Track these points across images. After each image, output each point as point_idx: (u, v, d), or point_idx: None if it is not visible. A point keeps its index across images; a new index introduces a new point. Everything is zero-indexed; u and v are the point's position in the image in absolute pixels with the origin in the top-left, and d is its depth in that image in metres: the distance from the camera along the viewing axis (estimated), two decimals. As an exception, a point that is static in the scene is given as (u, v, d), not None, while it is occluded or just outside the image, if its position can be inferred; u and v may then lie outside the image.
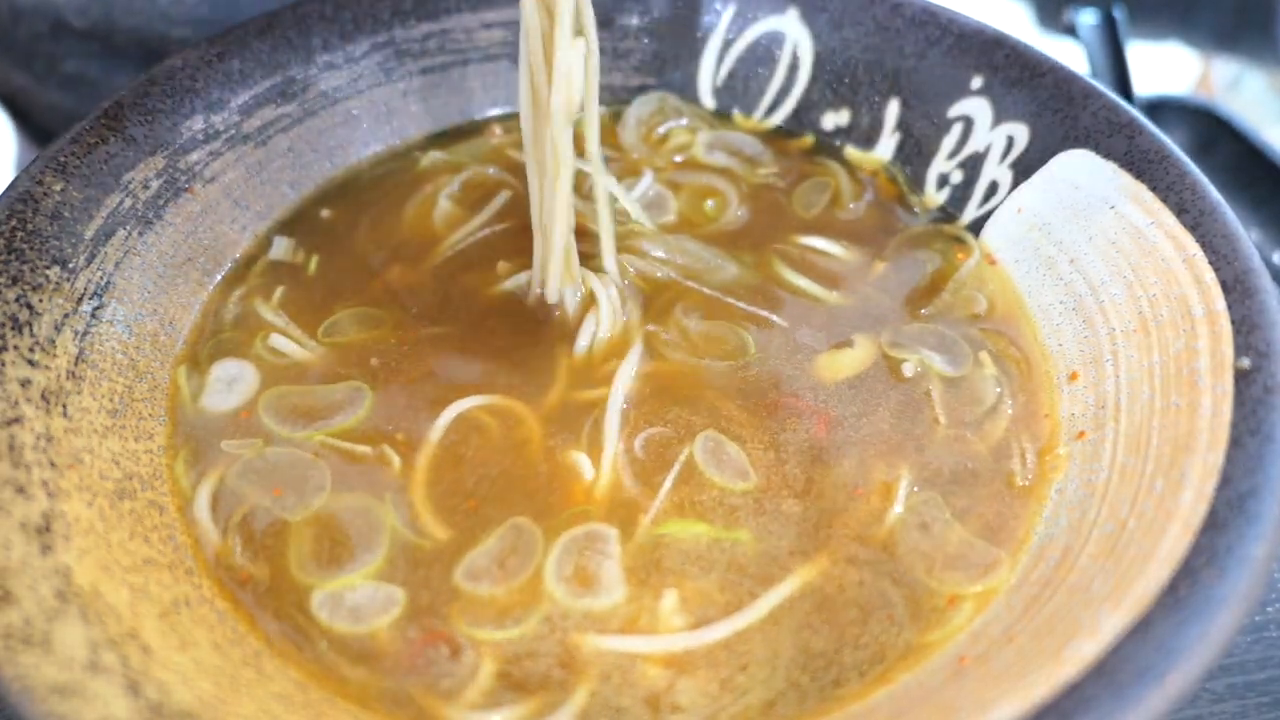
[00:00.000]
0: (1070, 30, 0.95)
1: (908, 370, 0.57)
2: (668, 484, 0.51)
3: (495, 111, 0.73)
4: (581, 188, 0.63)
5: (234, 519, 0.50)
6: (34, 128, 1.07)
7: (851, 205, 0.67)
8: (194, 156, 0.61)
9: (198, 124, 0.61)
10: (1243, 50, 1.19)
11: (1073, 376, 0.55)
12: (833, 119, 0.71)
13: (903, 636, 0.47)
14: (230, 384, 0.56)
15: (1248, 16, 1.09)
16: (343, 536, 0.49)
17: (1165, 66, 1.22)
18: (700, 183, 0.69)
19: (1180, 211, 0.53)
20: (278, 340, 0.58)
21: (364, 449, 0.53)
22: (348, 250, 0.64)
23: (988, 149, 0.65)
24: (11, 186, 0.53)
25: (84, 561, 0.43)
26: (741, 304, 0.61)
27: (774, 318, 0.60)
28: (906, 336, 0.59)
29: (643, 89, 0.74)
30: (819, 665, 0.46)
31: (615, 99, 0.74)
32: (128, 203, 0.57)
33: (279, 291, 0.61)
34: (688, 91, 0.74)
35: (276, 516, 0.50)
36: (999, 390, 0.56)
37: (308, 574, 0.48)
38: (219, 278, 0.61)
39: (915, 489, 0.52)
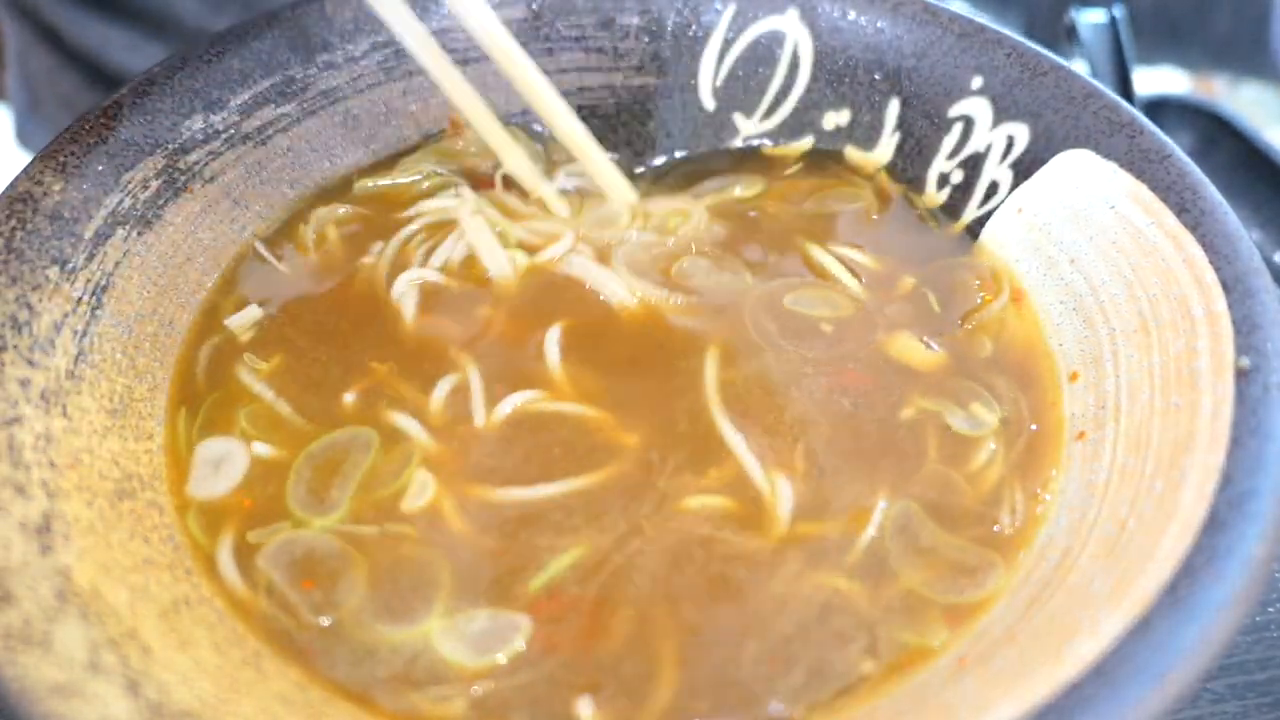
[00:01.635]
0: (1071, 31, 0.95)
1: (906, 414, 0.55)
2: None
3: (495, 111, 0.73)
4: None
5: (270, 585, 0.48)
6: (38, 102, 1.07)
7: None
8: (193, 156, 0.61)
9: (197, 124, 0.61)
10: (1237, 67, 1.19)
11: (1073, 376, 0.55)
12: (833, 119, 0.71)
13: (897, 648, 0.46)
14: (217, 466, 0.52)
15: (1241, 34, 1.09)
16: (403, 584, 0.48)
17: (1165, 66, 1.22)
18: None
19: (1180, 211, 0.53)
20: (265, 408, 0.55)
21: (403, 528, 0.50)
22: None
23: (988, 149, 0.65)
24: (11, 186, 0.53)
25: (84, 561, 0.43)
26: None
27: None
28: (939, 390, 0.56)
29: (643, 89, 0.74)
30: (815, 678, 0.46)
31: (616, 99, 0.74)
32: (127, 203, 0.57)
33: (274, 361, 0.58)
34: (688, 91, 0.74)
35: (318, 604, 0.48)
36: (994, 449, 0.54)
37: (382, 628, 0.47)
38: (218, 278, 0.61)
39: (895, 505, 0.51)
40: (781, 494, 0.51)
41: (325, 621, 0.46)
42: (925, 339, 0.59)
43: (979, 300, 0.61)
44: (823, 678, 0.45)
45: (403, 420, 0.54)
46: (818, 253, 0.64)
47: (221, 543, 0.49)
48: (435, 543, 0.49)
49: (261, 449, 0.53)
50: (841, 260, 0.63)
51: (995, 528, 0.51)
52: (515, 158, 0.67)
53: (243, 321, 0.59)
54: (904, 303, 0.61)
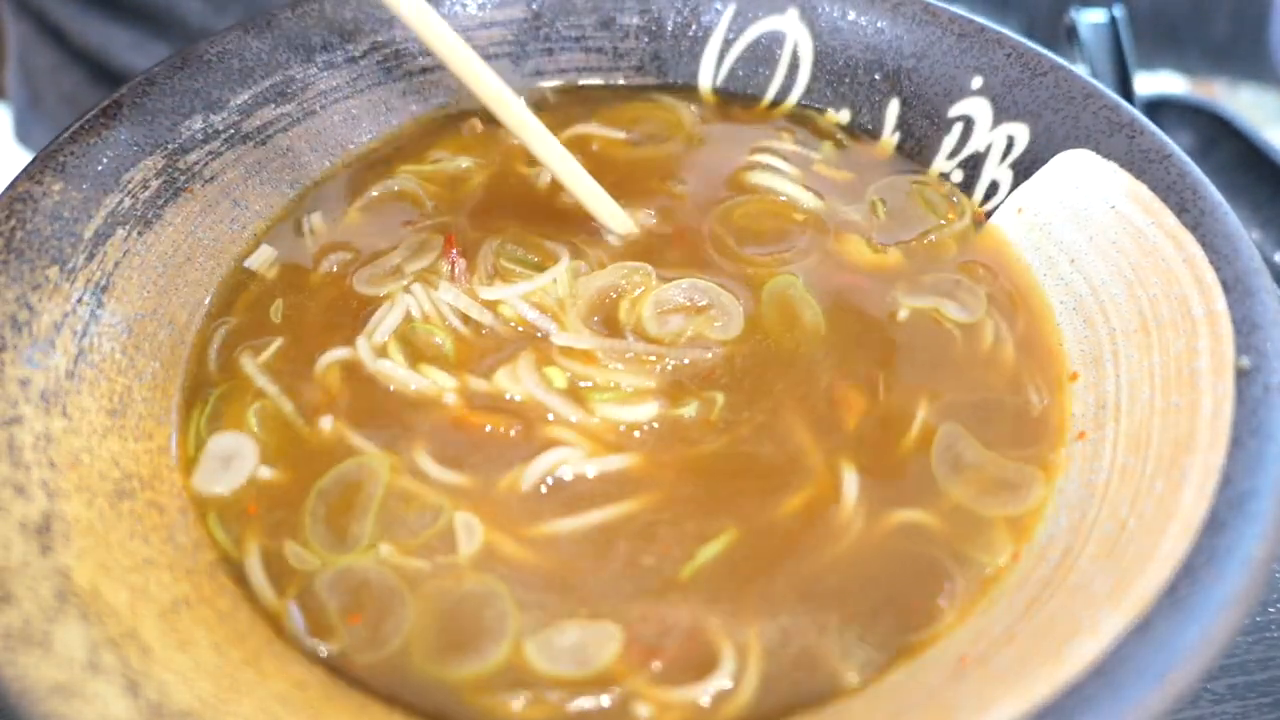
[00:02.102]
0: (1070, 31, 0.95)
1: (902, 315, 0.58)
2: None
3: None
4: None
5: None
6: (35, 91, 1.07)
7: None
8: (193, 156, 0.61)
9: (197, 123, 0.61)
10: (1235, 71, 1.19)
11: (1073, 377, 0.55)
12: (833, 118, 0.71)
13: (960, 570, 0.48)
14: (227, 462, 0.51)
15: (1240, 37, 1.09)
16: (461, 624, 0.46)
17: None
18: None
19: (1180, 211, 0.53)
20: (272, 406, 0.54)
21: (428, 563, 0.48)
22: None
23: (988, 149, 0.65)
24: (11, 186, 0.53)
25: (84, 561, 0.43)
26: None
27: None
28: (918, 286, 0.60)
29: (643, 89, 0.74)
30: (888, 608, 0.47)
31: (616, 99, 0.74)
32: (127, 202, 0.57)
33: (272, 347, 0.57)
34: (687, 91, 0.74)
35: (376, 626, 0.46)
36: (996, 325, 0.58)
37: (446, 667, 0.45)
38: (219, 278, 0.61)
39: (941, 423, 0.53)
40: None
41: (375, 656, 0.45)
42: (873, 240, 0.63)
43: (941, 222, 0.64)
44: (908, 615, 0.47)
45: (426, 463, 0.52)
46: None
47: (249, 553, 0.49)
48: (493, 573, 0.48)
49: (265, 472, 0.52)
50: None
51: (1031, 409, 0.54)
52: (575, 177, 0.61)
53: (263, 261, 0.61)
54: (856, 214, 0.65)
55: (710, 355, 0.55)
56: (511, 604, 0.46)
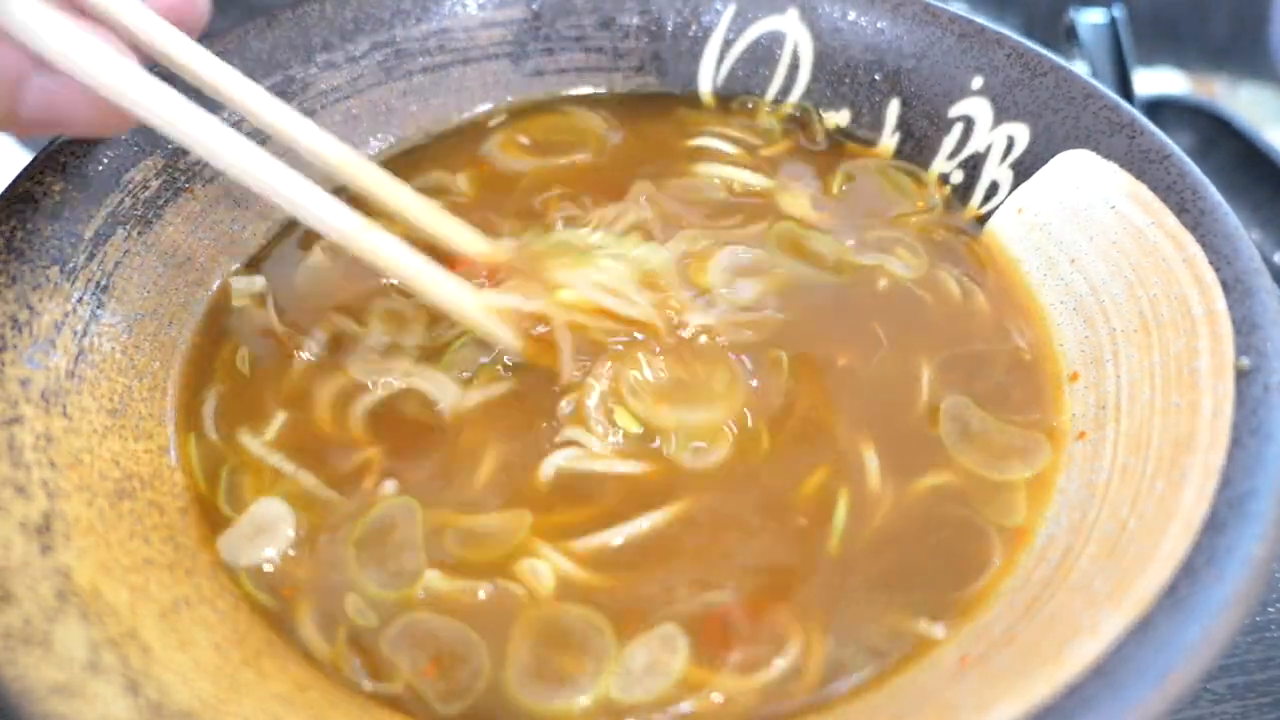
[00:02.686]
0: (1070, 31, 0.95)
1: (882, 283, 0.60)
2: None
3: (495, 111, 0.73)
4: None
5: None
6: None
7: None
8: (194, 156, 0.61)
9: (198, 124, 0.61)
10: (1235, 68, 1.19)
11: (1073, 377, 0.55)
12: (833, 119, 0.71)
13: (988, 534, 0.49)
14: (257, 533, 0.49)
15: (1240, 35, 1.10)
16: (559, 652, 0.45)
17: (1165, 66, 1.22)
18: None
19: (1180, 211, 0.53)
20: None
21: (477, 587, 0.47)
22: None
23: (988, 149, 0.65)
24: (11, 186, 0.53)
25: (84, 561, 0.43)
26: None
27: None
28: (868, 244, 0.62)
29: (643, 89, 0.74)
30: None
31: (615, 99, 0.74)
32: (128, 202, 0.57)
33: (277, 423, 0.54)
34: (688, 91, 0.74)
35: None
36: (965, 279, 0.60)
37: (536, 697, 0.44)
38: (219, 278, 0.61)
39: (945, 392, 0.54)
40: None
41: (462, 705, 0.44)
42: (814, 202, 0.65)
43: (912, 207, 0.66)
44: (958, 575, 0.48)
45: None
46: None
47: (302, 614, 0.47)
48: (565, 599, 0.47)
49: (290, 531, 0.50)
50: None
51: (1021, 354, 0.56)
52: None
53: (247, 288, 0.59)
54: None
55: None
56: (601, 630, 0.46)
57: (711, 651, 0.45)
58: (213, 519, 0.51)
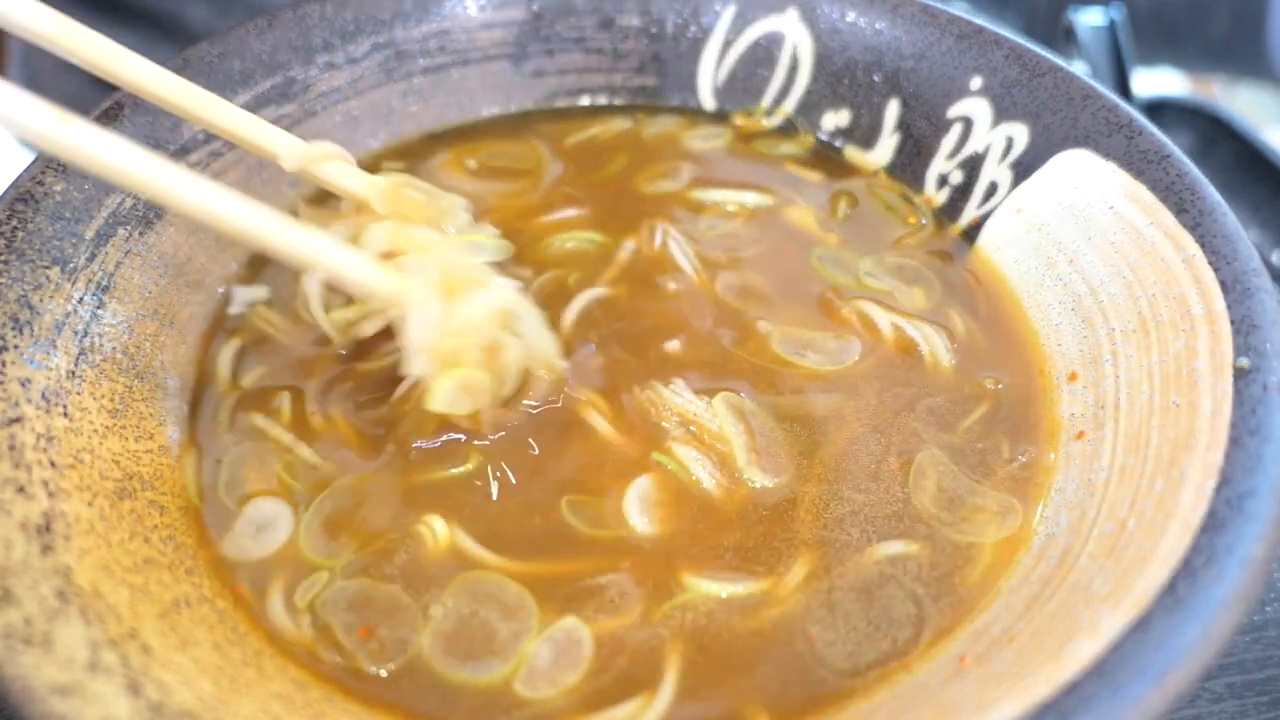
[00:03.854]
0: (1069, 32, 0.95)
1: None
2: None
3: (494, 111, 0.73)
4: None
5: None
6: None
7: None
8: (194, 157, 0.61)
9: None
10: (1234, 68, 1.19)
11: (1072, 377, 0.55)
12: (833, 119, 0.72)
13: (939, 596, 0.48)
14: (259, 530, 0.50)
15: (1239, 35, 1.10)
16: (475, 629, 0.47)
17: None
18: None
19: (1179, 211, 0.53)
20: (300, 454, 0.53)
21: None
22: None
23: (987, 149, 0.65)
24: (12, 186, 0.53)
25: (84, 561, 0.43)
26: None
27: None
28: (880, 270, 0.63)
29: (643, 89, 0.75)
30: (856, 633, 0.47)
31: (616, 99, 0.74)
32: (128, 203, 0.57)
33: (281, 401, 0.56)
34: (688, 92, 0.74)
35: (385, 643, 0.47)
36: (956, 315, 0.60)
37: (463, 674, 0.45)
38: (219, 278, 0.61)
39: (922, 446, 0.53)
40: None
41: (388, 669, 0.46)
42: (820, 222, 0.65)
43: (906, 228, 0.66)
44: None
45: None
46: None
47: (272, 594, 0.48)
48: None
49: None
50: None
51: (994, 386, 0.56)
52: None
53: (248, 298, 0.60)
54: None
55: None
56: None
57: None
58: (215, 516, 0.51)
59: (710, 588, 0.48)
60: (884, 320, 0.59)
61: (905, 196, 0.68)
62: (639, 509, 0.50)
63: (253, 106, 0.64)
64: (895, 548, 0.49)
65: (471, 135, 0.72)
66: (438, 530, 0.50)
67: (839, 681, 0.45)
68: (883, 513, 0.51)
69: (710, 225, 0.66)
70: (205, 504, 0.51)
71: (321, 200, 0.62)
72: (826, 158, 0.71)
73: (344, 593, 0.48)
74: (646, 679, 0.45)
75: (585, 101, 0.75)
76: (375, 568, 0.48)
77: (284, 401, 0.56)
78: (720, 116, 0.74)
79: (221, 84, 0.63)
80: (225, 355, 0.58)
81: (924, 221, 0.66)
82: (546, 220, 0.65)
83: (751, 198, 0.68)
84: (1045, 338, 0.58)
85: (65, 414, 0.48)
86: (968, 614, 0.47)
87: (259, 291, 0.61)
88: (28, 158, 0.56)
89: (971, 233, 0.65)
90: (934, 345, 0.58)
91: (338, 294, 0.54)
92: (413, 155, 0.70)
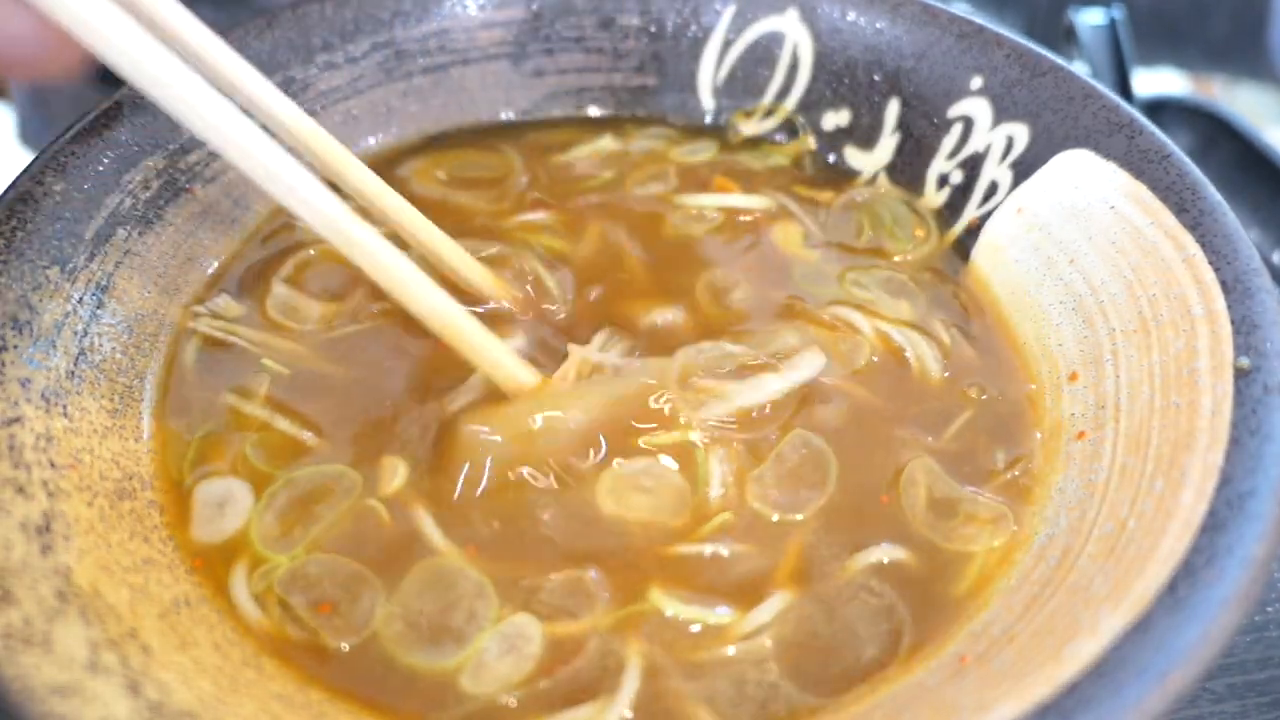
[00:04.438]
0: (1070, 32, 0.95)
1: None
2: None
3: (494, 111, 0.73)
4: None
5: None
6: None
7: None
8: (194, 157, 0.61)
9: (198, 124, 0.61)
10: (1235, 68, 1.19)
11: (1073, 377, 0.55)
12: (833, 119, 0.71)
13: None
14: (221, 506, 0.50)
15: (1239, 35, 1.10)
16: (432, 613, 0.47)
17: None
18: None
19: (1180, 211, 0.53)
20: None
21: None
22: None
23: (988, 149, 0.65)
24: (12, 186, 0.53)
25: (84, 561, 0.43)
26: None
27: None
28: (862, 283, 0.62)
29: (643, 89, 0.74)
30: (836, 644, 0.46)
31: (616, 99, 0.74)
32: (128, 203, 0.57)
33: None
34: (688, 92, 0.74)
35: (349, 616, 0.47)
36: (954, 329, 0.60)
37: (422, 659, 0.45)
38: (219, 278, 0.61)
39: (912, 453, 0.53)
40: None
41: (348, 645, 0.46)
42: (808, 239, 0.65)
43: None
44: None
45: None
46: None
47: (235, 574, 0.48)
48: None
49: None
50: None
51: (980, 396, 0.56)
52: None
53: (219, 307, 0.59)
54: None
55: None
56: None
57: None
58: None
59: (678, 600, 0.47)
60: (866, 326, 0.59)
61: (909, 205, 0.68)
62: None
63: (252, 106, 0.64)
64: (881, 555, 0.49)
65: (443, 146, 0.72)
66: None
67: (812, 695, 0.45)
68: (869, 521, 0.50)
69: (686, 229, 0.66)
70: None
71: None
72: (823, 167, 0.71)
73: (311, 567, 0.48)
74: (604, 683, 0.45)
75: (590, 110, 0.75)
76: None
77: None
78: (712, 130, 0.74)
79: (221, 84, 0.63)
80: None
81: (931, 229, 0.66)
82: (517, 221, 0.65)
83: (738, 203, 0.67)
84: (1045, 339, 0.58)
85: (65, 414, 0.48)
86: (954, 623, 0.47)
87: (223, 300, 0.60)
88: (27, 158, 0.56)
89: (967, 242, 0.65)
90: (921, 352, 0.58)
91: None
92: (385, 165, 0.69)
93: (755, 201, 0.67)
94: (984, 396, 0.56)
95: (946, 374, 0.57)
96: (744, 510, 0.51)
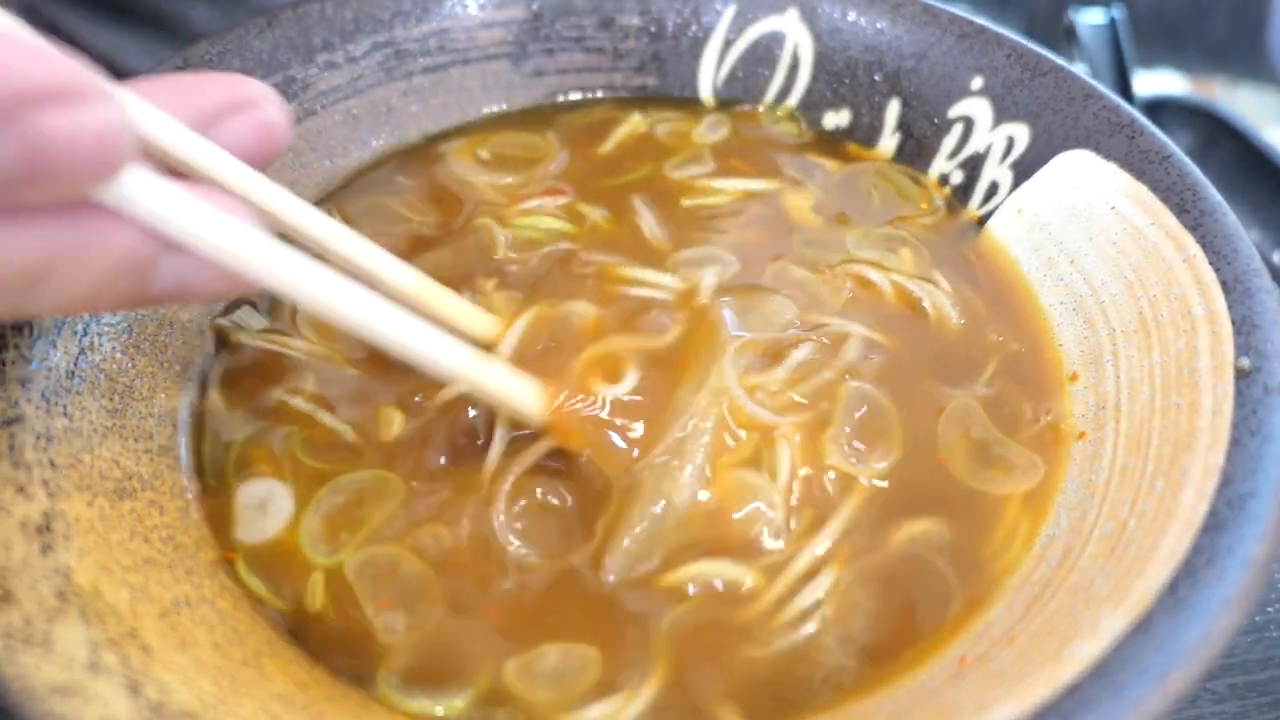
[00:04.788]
0: (1070, 32, 0.95)
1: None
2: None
3: (494, 110, 0.73)
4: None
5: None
6: None
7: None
8: (194, 156, 0.61)
9: (198, 124, 0.61)
10: (1235, 69, 1.19)
11: (1073, 377, 0.55)
12: (833, 119, 0.72)
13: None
14: (263, 507, 0.51)
15: (1239, 36, 1.10)
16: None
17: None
18: None
19: (1180, 212, 0.53)
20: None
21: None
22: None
23: (988, 149, 0.65)
24: (11, 186, 0.53)
25: (84, 561, 0.43)
26: None
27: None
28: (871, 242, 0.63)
29: (643, 89, 0.74)
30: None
31: (615, 99, 0.74)
32: (128, 202, 0.57)
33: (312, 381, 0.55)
34: (688, 92, 0.74)
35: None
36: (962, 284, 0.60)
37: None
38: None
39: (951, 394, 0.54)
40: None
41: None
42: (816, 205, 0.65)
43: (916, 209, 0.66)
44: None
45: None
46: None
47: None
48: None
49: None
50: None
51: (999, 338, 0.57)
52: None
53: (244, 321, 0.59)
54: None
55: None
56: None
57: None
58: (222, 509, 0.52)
59: (711, 568, 0.47)
60: (882, 280, 0.59)
61: (915, 179, 0.68)
62: None
63: (253, 106, 0.64)
64: (922, 525, 0.50)
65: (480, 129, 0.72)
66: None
67: (858, 671, 0.45)
68: (910, 480, 0.51)
69: (697, 205, 0.66)
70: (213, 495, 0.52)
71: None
72: (833, 145, 0.71)
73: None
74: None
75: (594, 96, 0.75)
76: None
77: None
78: (725, 105, 0.74)
79: (221, 83, 0.63)
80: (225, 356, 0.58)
81: (938, 204, 0.66)
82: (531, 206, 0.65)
83: (750, 184, 0.67)
84: (1045, 338, 0.58)
85: (65, 414, 0.48)
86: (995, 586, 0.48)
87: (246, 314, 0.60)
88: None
89: (981, 219, 0.65)
90: (938, 301, 0.58)
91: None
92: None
93: (759, 184, 0.67)
94: (1000, 338, 0.57)
95: (962, 321, 0.58)
96: (822, 471, 0.51)
